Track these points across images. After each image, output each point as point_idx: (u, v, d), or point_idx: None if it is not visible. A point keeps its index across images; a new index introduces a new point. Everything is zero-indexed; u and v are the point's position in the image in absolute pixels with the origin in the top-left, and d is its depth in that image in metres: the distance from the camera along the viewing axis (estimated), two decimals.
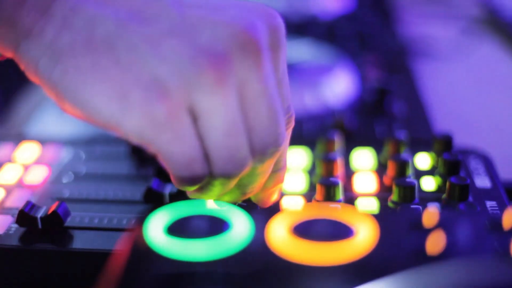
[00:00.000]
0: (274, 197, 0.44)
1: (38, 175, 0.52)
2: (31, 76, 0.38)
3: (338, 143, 0.52)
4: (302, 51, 0.72)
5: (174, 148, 0.36)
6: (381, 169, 0.51)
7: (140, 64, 0.35)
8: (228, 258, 0.33)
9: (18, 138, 0.59)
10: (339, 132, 0.53)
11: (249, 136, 0.37)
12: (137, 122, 0.35)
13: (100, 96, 0.36)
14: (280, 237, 0.34)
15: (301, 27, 0.81)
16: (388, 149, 0.52)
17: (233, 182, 0.39)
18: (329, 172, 0.48)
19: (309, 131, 0.59)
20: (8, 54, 0.39)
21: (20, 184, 0.51)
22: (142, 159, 0.54)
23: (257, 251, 0.33)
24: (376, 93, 0.61)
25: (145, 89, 0.35)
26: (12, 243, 0.44)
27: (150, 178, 0.48)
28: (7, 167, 0.54)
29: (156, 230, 0.35)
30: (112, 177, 0.52)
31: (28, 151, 0.56)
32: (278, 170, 0.42)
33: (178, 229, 0.35)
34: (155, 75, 0.35)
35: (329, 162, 0.48)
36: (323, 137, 0.52)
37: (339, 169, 0.49)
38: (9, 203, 0.49)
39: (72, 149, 0.55)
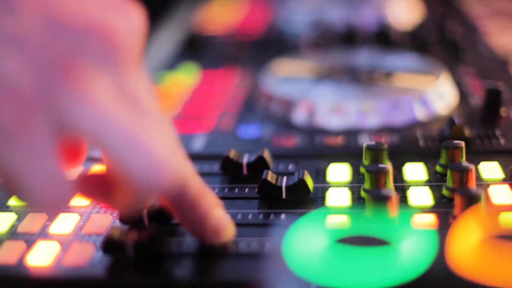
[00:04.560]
0: (220, 232, 0.38)
1: None
2: None
3: (464, 152, 0.45)
4: (395, 61, 0.66)
5: (28, 168, 0.30)
6: None
7: None
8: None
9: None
10: (461, 140, 0.46)
11: None
12: None
13: None
14: (466, 255, 0.27)
15: (378, 37, 0.75)
16: None
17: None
18: (464, 183, 0.41)
19: (423, 139, 0.52)
20: None
21: (97, 209, 0.45)
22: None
23: (440, 275, 0.26)
24: (488, 96, 0.54)
25: None
26: (101, 275, 0.37)
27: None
28: None
29: (308, 253, 0.28)
30: None
31: None
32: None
33: (335, 252, 0.28)
34: (7, 74, 0.29)
35: (464, 171, 0.41)
36: (447, 146, 0.45)
37: (473, 180, 0.42)
38: (87, 229, 0.42)
39: None
